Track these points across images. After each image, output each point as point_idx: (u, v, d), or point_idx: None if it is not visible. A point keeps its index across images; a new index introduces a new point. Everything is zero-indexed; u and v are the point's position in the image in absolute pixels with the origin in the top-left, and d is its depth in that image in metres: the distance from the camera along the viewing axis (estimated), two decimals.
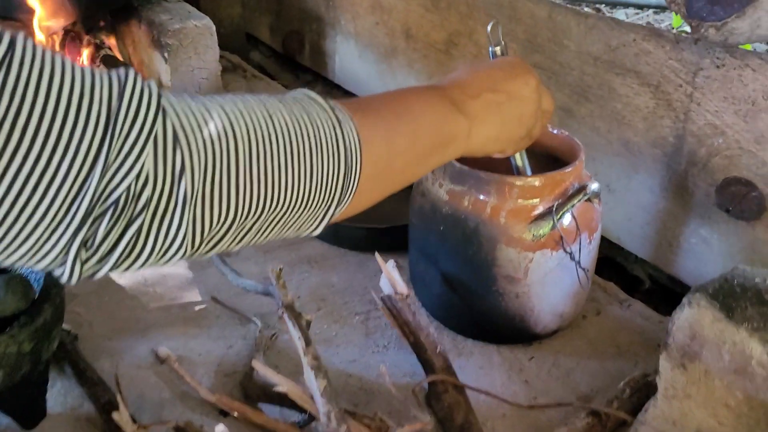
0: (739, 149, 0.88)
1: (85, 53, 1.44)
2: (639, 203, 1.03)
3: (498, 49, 0.74)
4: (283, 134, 0.46)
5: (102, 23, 1.46)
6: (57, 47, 1.42)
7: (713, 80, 0.88)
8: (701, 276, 0.98)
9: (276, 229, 0.48)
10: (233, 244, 0.47)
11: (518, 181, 0.76)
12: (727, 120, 0.88)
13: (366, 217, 1.07)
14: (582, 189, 0.77)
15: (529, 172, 0.79)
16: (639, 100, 0.98)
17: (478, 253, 0.78)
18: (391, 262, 0.80)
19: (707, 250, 0.96)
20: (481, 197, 0.77)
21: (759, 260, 0.90)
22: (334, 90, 1.68)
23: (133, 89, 0.40)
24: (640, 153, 1.01)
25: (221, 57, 1.65)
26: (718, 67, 0.87)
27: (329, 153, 0.48)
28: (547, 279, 0.78)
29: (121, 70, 0.41)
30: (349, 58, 1.55)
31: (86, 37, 1.45)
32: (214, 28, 1.40)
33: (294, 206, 0.47)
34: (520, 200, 0.76)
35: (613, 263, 1.15)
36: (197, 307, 0.91)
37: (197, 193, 0.41)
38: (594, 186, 0.77)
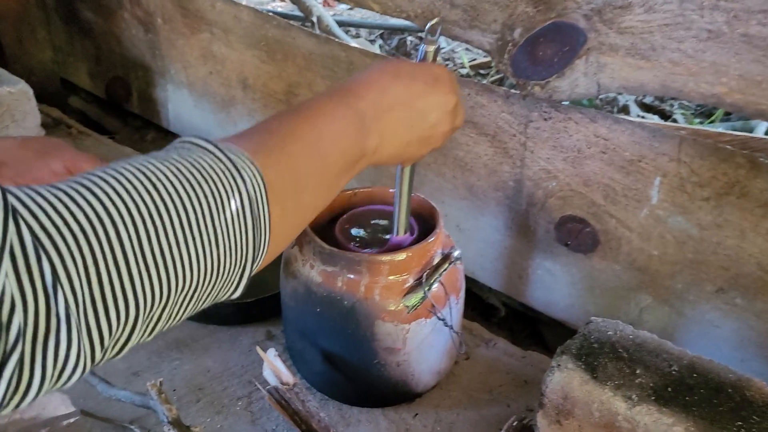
0: (571, 191, 0.98)
1: None
2: (488, 241, 1.11)
3: (431, 50, 0.66)
4: (173, 202, 0.40)
5: None
6: None
7: (543, 131, 0.97)
8: (550, 303, 1.08)
9: (190, 306, 0.42)
10: (145, 336, 0.41)
11: (387, 258, 0.79)
12: (558, 166, 0.98)
13: None
14: (446, 258, 0.81)
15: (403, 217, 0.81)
16: (479, 148, 1.05)
17: (357, 331, 0.80)
18: (272, 351, 0.80)
19: (552, 280, 1.06)
20: (354, 277, 0.79)
21: (598, 287, 1.00)
22: (168, 136, 1.62)
23: None
24: (485, 196, 1.08)
25: (39, 111, 1.52)
26: (545, 119, 0.96)
27: (232, 210, 0.42)
28: (424, 345, 0.82)
29: None
30: (183, 107, 1.50)
31: None
32: (31, 92, 1.29)
33: (204, 280, 0.42)
34: (391, 276, 0.79)
35: (470, 293, 1.23)
36: (65, 422, 0.84)
37: (82, 300, 0.35)
38: (456, 252, 0.82)
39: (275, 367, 0.78)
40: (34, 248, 0.33)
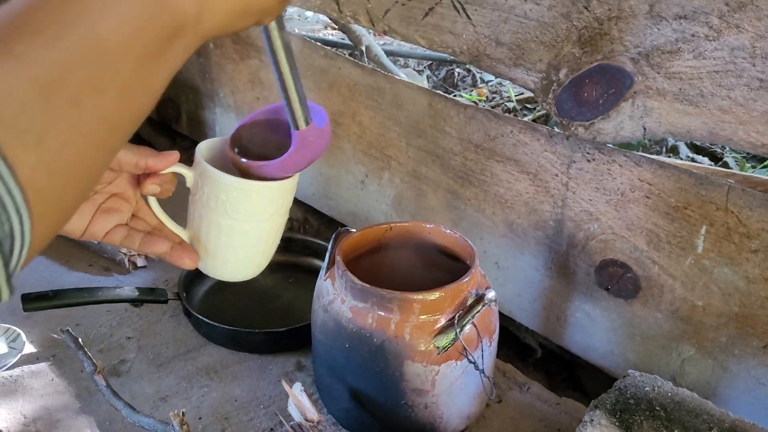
0: (613, 234, 0.95)
1: None
2: (526, 280, 1.08)
3: None
4: None
5: None
6: None
7: (585, 172, 0.95)
8: (588, 347, 1.04)
9: None
10: None
11: (419, 296, 0.78)
12: (600, 208, 0.95)
13: (264, 320, 1.07)
14: (480, 299, 0.80)
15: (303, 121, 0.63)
16: (519, 185, 1.04)
17: (385, 370, 0.79)
18: (298, 386, 0.79)
19: (591, 324, 1.02)
20: (385, 314, 0.78)
21: (638, 334, 0.97)
22: None
23: None
24: (525, 234, 1.06)
25: None
26: (589, 161, 0.94)
27: None
28: (454, 387, 0.81)
29: None
30: (230, 129, 1.52)
31: None
32: None
33: None
34: (422, 316, 0.78)
35: (506, 332, 1.20)
36: None
37: None
38: (491, 294, 0.81)
39: (300, 403, 0.78)
40: None
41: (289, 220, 1.53)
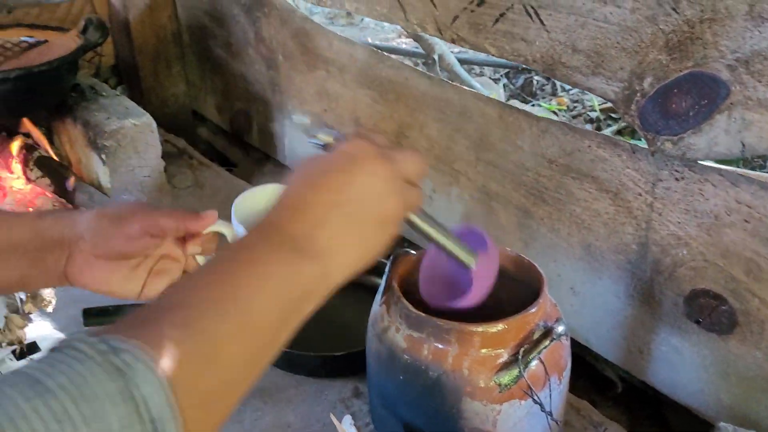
0: (705, 262, 0.85)
1: (17, 159, 1.36)
2: (605, 308, 0.99)
3: (324, 137, 0.56)
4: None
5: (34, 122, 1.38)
6: None
7: (673, 192, 0.85)
8: (675, 384, 0.94)
9: None
10: None
11: (480, 328, 0.71)
12: (690, 232, 0.85)
13: (322, 342, 1.02)
14: (548, 333, 0.72)
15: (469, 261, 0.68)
16: (598, 205, 0.95)
17: (442, 406, 0.73)
18: (348, 419, 0.74)
19: (680, 360, 0.92)
20: (442, 346, 0.72)
21: (734, 374, 0.86)
22: (284, 170, 1.63)
23: None
24: (603, 258, 0.97)
25: (166, 141, 1.58)
26: (677, 179, 0.84)
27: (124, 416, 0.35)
28: (517, 429, 0.73)
29: None
30: (299, 141, 1.50)
31: (17, 137, 1.37)
32: (154, 124, 1.34)
33: None
34: (483, 350, 0.71)
35: (583, 362, 1.11)
36: None
37: None
38: (561, 328, 0.73)
39: None
40: None
41: None
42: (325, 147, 0.56)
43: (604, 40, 0.84)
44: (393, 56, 1.20)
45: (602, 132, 0.83)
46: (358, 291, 1.15)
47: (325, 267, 0.48)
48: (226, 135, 1.82)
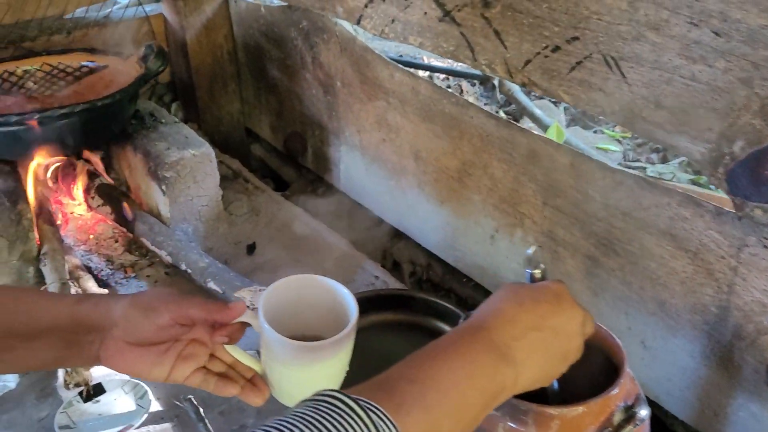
0: None
1: (80, 184, 1.37)
2: (678, 365, 0.96)
3: (537, 272, 0.68)
4: None
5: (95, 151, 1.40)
6: (50, 182, 1.35)
7: (762, 259, 0.81)
8: None
9: None
10: None
11: (559, 411, 0.69)
12: None
13: None
14: (631, 418, 0.69)
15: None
16: (675, 263, 0.91)
17: None
18: None
19: (759, 428, 0.88)
20: (517, 427, 0.70)
21: None
22: (339, 193, 1.62)
23: None
24: (678, 316, 0.93)
25: (220, 163, 1.58)
26: (766, 246, 0.80)
27: None
28: None
29: None
30: (355, 169, 1.48)
31: (79, 165, 1.39)
32: (213, 154, 1.34)
33: None
34: None
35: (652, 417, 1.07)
36: None
37: None
38: (643, 413, 0.70)
39: None
40: None
41: (412, 264, 1.47)
42: (532, 279, 0.68)
43: (691, 98, 0.80)
44: (457, 95, 1.17)
45: (679, 185, 0.78)
46: (416, 333, 1.13)
47: (517, 375, 0.58)
48: (279, 154, 1.81)
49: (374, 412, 0.47)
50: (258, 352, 0.69)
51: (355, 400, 0.47)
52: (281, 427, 0.44)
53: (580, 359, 0.77)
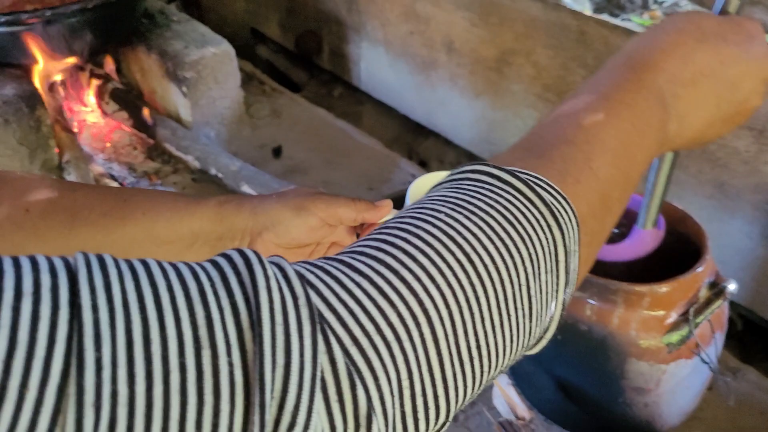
0: None
1: (91, 91, 1.30)
2: (735, 247, 0.96)
3: (732, 3, 0.52)
4: (491, 279, 0.33)
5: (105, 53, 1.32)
6: (60, 90, 1.28)
7: None
8: None
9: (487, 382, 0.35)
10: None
11: (648, 288, 0.68)
12: None
13: None
14: (720, 293, 0.69)
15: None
16: (738, 143, 0.89)
17: (604, 367, 0.71)
18: (505, 379, 0.73)
19: None
20: (606, 306, 0.69)
21: None
22: (357, 93, 1.56)
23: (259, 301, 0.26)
24: (738, 197, 0.92)
25: None
26: None
27: (548, 270, 0.35)
28: (679, 387, 0.72)
29: (209, 267, 0.28)
30: (377, 66, 1.42)
31: (89, 69, 1.31)
32: (233, 52, 1.27)
33: (513, 354, 0.35)
34: (650, 311, 0.68)
35: None
36: None
37: (392, 422, 0.29)
38: (732, 287, 0.70)
39: (509, 398, 0.71)
40: (347, 373, 0.27)
41: (440, 162, 1.45)
42: (723, 11, 0.51)
43: None
44: None
45: None
46: None
47: (676, 132, 0.46)
48: (288, 55, 1.74)
49: (539, 185, 0.35)
50: None
51: (510, 172, 0.35)
52: (417, 217, 0.34)
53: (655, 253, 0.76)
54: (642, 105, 0.43)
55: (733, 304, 1.06)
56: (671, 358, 0.69)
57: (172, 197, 0.58)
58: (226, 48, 1.26)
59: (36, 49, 1.14)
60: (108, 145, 1.32)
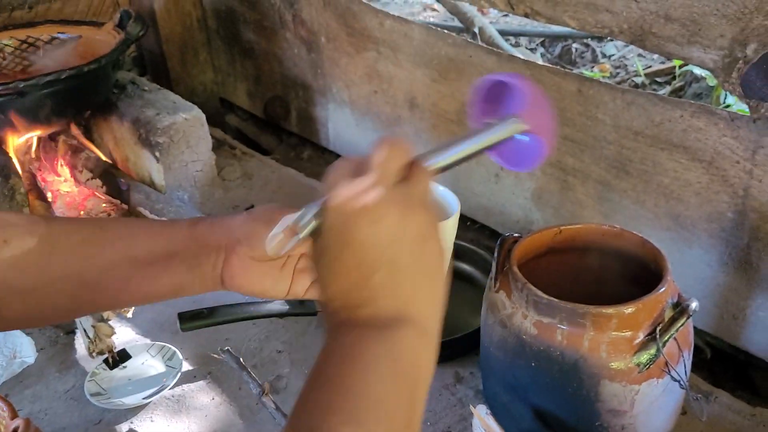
0: None
1: (64, 161, 1.32)
2: (695, 276, 0.99)
3: (307, 226, 0.48)
4: None
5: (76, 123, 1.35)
6: (33, 156, 1.30)
7: None
8: None
9: None
10: None
11: (614, 310, 0.71)
12: None
13: None
14: (683, 311, 0.72)
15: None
16: (690, 175, 0.94)
17: (578, 390, 0.72)
18: (483, 409, 0.74)
19: None
20: (576, 331, 0.72)
21: None
22: (325, 154, 1.61)
23: None
24: (694, 227, 0.97)
25: None
26: None
27: None
28: (654, 407, 0.74)
29: None
30: (344, 125, 1.47)
31: (61, 139, 1.34)
32: (204, 117, 1.31)
33: None
34: (618, 332, 0.71)
35: None
36: None
37: None
38: (694, 305, 0.73)
39: (489, 428, 0.72)
40: None
41: None
42: (314, 234, 0.48)
43: (702, 8, 0.83)
44: (453, 34, 1.17)
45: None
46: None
47: (416, 325, 0.45)
48: (257, 121, 1.78)
49: None
50: None
51: None
52: None
53: (618, 279, 0.79)
54: (362, 349, 0.44)
55: (699, 332, 1.09)
56: (643, 378, 0.72)
57: (147, 222, 0.59)
58: (197, 114, 1.30)
59: (9, 119, 1.16)
60: (82, 213, 1.33)
